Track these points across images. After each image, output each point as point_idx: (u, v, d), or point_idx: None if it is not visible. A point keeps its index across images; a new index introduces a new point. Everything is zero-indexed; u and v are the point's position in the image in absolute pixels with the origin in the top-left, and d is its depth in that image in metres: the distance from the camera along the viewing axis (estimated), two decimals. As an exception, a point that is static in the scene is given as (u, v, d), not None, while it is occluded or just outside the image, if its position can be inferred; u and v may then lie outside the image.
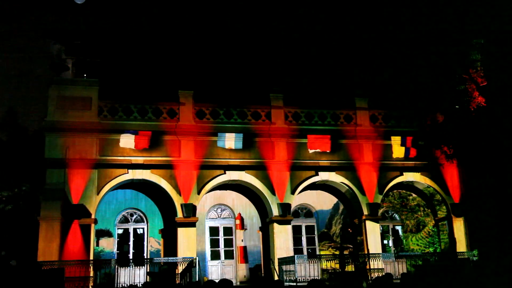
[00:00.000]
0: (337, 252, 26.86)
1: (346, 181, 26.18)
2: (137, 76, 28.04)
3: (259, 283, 20.95)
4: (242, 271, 26.59)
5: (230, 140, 24.42)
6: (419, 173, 26.78)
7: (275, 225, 25.09)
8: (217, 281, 15.99)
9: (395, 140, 26.36)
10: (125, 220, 26.77)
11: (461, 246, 26.35)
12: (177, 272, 21.56)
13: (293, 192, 25.52)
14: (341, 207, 28.85)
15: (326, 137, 25.73)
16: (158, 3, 32.74)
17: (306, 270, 23.15)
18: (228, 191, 27.69)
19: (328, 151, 25.76)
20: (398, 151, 26.22)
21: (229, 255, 27.36)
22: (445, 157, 24.22)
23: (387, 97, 28.37)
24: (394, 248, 28.68)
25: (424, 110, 26.02)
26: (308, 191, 27.46)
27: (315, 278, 22.61)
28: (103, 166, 23.66)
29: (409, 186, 28.29)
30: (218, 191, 27.33)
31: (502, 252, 23.96)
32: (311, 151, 25.68)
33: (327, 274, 24.54)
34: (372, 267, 23.57)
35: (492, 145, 22.44)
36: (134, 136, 23.57)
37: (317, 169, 25.94)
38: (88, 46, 27.63)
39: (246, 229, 27.70)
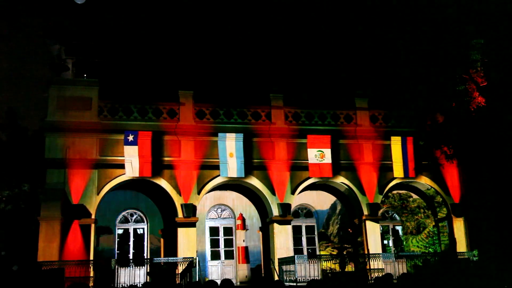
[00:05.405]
0: (334, 252, 26.86)
1: (346, 181, 26.17)
2: (137, 76, 28.07)
3: (259, 283, 20.96)
4: (243, 271, 26.57)
5: (232, 165, 24.40)
6: (419, 173, 26.73)
7: (275, 225, 25.09)
8: (217, 281, 16.00)
9: (395, 140, 26.34)
10: (125, 220, 26.77)
11: (461, 246, 26.35)
12: (177, 272, 21.56)
13: (293, 192, 25.51)
14: (339, 207, 28.85)
15: (326, 137, 25.72)
16: (158, 3, 32.73)
17: (306, 270, 23.13)
18: (228, 191, 27.69)
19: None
20: (399, 171, 26.20)
21: (229, 255, 27.36)
22: (445, 157, 24.19)
23: (387, 97, 28.38)
24: (394, 248, 28.69)
25: (424, 110, 26.00)
26: (308, 191, 27.46)
27: (315, 278, 22.60)
28: (103, 166, 23.66)
29: (409, 186, 28.28)
30: (218, 191, 27.32)
31: (502, 252, 23.96)
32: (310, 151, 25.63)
33: (325, 274, 24.54)
34: (372, 267, 23.57)
35: (492, 145, 22.43)
36: (138, 165, 23.47)
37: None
38: (88, 46, 27.61)
39: (247, 229, 27.69)
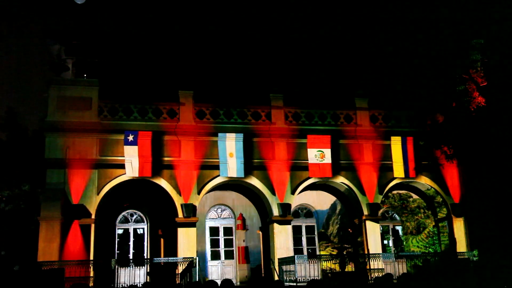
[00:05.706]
0: (334, 252, 26.86)
1: (346, 181, 26.16)
2: (137, 76, 28.04)
3: (259, 283, 20.95)
4: (243, 271, 26.58)
5: (232, 165, 24.35)
6: (419, 173, 26.73)
7: (275, 225, 25.09)
8: (218, 281, 16.01)
9: (395, 140, 26.34)
10: (125, 220, 26.78)
11: (461, 246, 26.34)
12: (177, 272, 21.56)
13: (293, 192, 25.50)
14: (339, 207, 28.84)
15: (326, 137, 25.71)
16: (158, 3, 32.75)
17: (306, 270, 23.14)
18: (228, 191, 27.69)
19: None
20: (399, 171, 26.17)
21: (229, 255, 27.37)
22: (445, 157, 24.21)
23: (387, 97, 28.38)
24: (394, 248, 28.70)
25: (424, 110, 26.04)
26: (308, 191, 27.46)
27: (315, 278, 22.60)
28: (103, 166, 23.65)
29: (409, 186, 28.28)
30: (218, 191, 27.33)
31: (502, 252, 23.97)
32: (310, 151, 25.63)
33: (325, 274, 24.54)
34: (372, 267, 23.56)
35: (492, 145, 22.44)
36: (138, 165, 23.48)
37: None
38: (88, 46, 27.61)
39: (247, 229, 27.69)
